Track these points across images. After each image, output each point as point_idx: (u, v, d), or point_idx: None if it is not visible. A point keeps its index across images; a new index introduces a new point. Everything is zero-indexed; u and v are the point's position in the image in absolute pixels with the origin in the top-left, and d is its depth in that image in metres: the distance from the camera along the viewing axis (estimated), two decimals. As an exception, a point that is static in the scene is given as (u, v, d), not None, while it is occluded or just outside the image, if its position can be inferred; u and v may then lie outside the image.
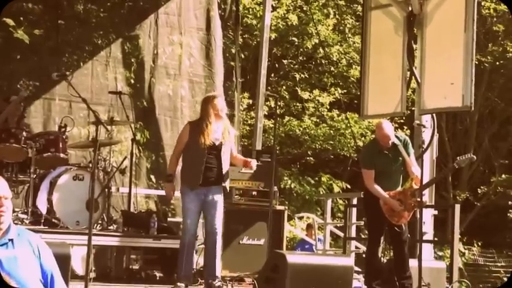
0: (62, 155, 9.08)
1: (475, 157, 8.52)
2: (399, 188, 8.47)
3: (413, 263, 8.44)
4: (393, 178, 8.47)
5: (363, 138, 18.91)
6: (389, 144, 8.36)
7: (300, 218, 17.08)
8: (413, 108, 11.15)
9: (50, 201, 8.62)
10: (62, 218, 8.54)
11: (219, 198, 7.92)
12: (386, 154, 8.40)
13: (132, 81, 12.37)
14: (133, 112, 11.77)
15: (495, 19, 22.59)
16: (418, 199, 8.36)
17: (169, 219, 10.50)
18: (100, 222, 8.97)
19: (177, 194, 11.71)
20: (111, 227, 9.06)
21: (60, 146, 9.09)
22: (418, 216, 9.04)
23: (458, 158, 8.65)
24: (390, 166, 8.41)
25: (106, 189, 8.99)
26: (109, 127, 9.07)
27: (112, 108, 11.60)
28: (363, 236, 15.54)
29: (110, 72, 12.15)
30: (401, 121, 18.04)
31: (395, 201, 8.33)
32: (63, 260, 5.27)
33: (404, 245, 8.43)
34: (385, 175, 8.39)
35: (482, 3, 21.07)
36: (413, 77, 10.20)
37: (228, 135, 8.01)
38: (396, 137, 8.53)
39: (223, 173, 7.93)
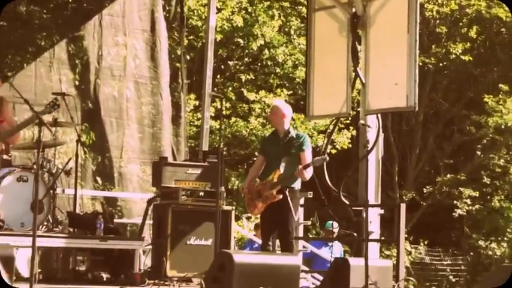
0: (5, 157, 8.99)
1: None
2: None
3: (359, 261, 8.50)
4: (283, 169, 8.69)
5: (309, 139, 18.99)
6: (280, 124, 8.81)
7: (248, 218, 17.06)
8: (358, 109, 11.23)
9: (-7, 203, 8.53)
10: (6, 220, 8.43)
11: None
12: (278, 143, 8.77)
13: (77, 82, 12.29)
14: (79, 114, 11.69)
15: (438, 21, 22.87)
16: (273, 192, 8.55)
17: (115, 220, 10.45)
18: (45, 223, 8.87)
19: (123, 195, 11.65)
20: (56, 229, 8.97)
21: (3, 147, 9.02)
22: (365, 215, 9.12)
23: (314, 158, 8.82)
24: (279, 156, 8.67)
25: (51, 191, 8.91)
26: (53, 129, 9.03)
27: (57, 110, 11.50)
28: (310, 236, 15.63)
29: (54, 74, 12.04)
30: (347, 122, 18.14)
31: (251, 184, 8.71)
32: (7, 262, 5.22)
33: None
34: (272, 163, 8.71)
35: (425, 6, 21.34)
36: (358, 78, 10.27)
37: None
38: (297, 134, 8.96)
39: None
